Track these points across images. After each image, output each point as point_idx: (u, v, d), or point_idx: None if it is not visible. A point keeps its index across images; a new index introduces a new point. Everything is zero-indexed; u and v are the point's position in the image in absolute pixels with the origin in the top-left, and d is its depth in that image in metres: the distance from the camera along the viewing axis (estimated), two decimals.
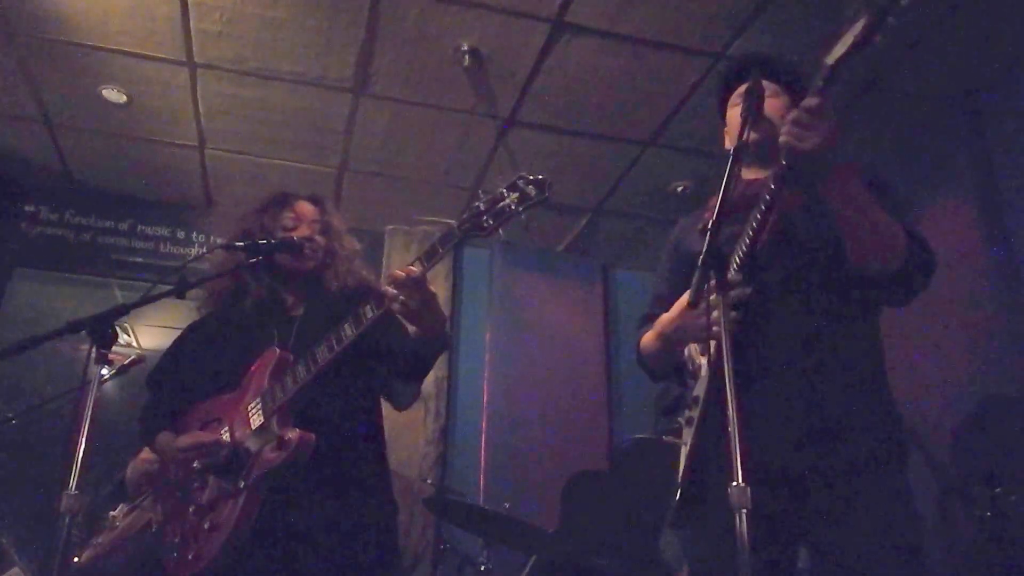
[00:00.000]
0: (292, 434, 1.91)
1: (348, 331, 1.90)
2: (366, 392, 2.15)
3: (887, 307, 1.79)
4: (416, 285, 1.83)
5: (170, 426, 2.14)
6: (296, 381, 1.94)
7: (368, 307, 1.88)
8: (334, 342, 1.91)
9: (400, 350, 2.05)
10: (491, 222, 1.76)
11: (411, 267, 1.84)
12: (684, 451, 1.70)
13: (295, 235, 2.20)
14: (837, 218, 1.62)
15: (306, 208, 2.28)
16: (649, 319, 1.99)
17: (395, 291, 1.83)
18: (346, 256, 2.27)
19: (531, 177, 1.76)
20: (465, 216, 1.80)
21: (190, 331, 2.32)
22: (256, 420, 1.97)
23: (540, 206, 1.76)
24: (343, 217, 2.38)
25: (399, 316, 1.89)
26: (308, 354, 1.95)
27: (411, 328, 1.95)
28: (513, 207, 1.75)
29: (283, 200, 2.28)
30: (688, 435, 1.70)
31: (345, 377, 2.05)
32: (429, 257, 1.86)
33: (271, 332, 2.15)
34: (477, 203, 1.79)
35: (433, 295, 1.90)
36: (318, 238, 2.24)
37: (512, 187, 1.76)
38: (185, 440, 2.04)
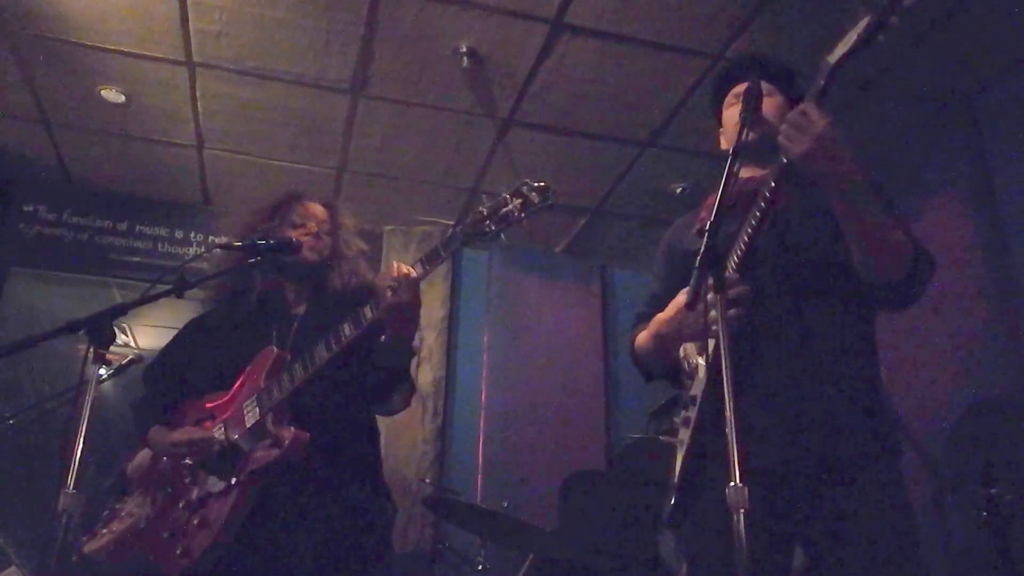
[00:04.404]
0: (287, 433, 1.92)
1: (347, 331, 1.91)
2: (360, 391, 2.16)
3: (886, 311, 1.79)
4: (413, 285, 1.86)
5: (164, 421, 2.14)
6: (293, 380, 1.95)
7: (368, 308, 1.90)
8: (332, 342, 1.92)
9: (375, 360, 2.06)
10: (493, 227, 1.80)
11: (412, 267, 1.87)
12: (680, 450, 1.71)
13: (303, 232, 2.21)
14: (844, 228, 1.62)
15: (316, 209, 2.30)
16: (643, 318, 1.99)
17: (391, 282, 1.85)
18: (352, 257, 2.28)
19: (534, 184, 1.78)
20: (468, 220, 1.83)
21: (190, 327, 2.33)
22: (251, 418, 1.97)
23: (543, 212, 1.79)
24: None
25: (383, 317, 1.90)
26: (306, 353, 1.96)
27: (385, 333, 1.96)
28: (516, 213, 1.78)
29: (295, 198, 2.31)
30: (684, 435, 1.71)
31: (340, 376, 2.06)
32: (431, 260, 1.89)
33: (270, 330, 2.16)
34: (480, 208, 1.82)
35: (419, 304, 1.93)
36: (324, 237, 2.25)
37: (516, 193, 1.79)
38: (178, 435, 2.05)
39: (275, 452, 1.91)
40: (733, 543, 1.25)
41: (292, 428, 1.93)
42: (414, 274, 1.87)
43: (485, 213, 1.81)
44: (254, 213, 2.29)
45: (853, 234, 1.61)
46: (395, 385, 2.12)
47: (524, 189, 1.78)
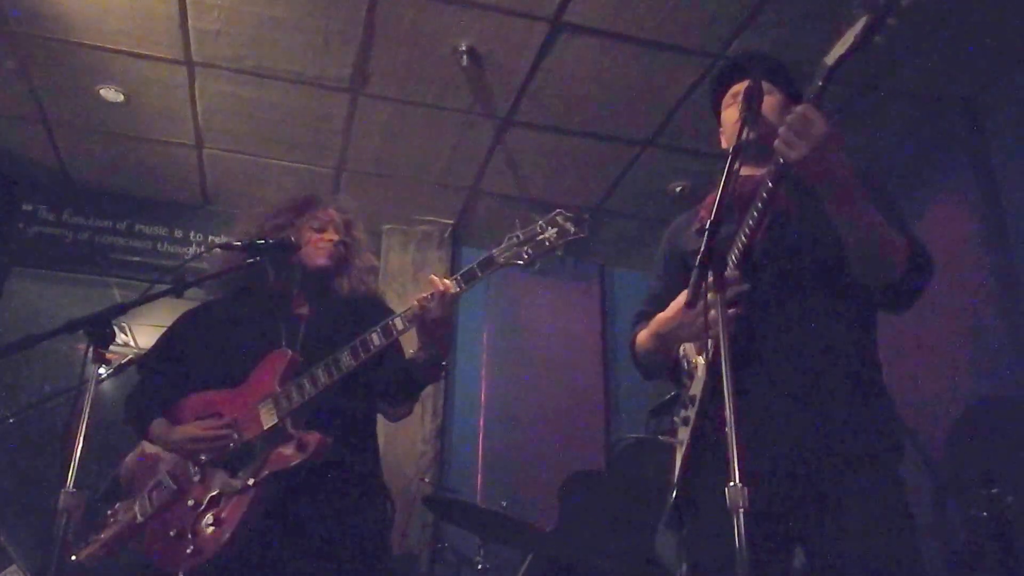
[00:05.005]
0: (312, 437, 1.93)
1: (376, 340, 1.94)
2: (365, 395, 2.16)
3: (885, 312, 1.79)
4: (449, 301, 1.90)
5: (164, 415, 2.12)
6: (316, 384, 1.96)
7: (399, 319, 1.94)
8: (360, 350, 1.94)
9: (394, 370, 2.09)
10: (530, 252, 1.85)
11: (448, 282, 1.91)
12: (679, 450, 1.71)
13: (323, 237, 2.24)
14: (840, 230, 1.62)
15: (336, 215, 2.32)
16: (644, 316, 1.99)
17: (427, 297, 1.89)
18: (362, 268, 2.31)
19: (569, 213, 1.85)
20: (504, 246, 1.88)
21: (189, 319, 2.32)
22: (268, 420, 1.97)
23: (580, 243, 1.84)
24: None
25: (412, 327, 1.94)
26: (329, 359, 1.97)
27: (415, 347, 2.00)
28: (551, 241, 1.84)
29: (317, 201, 2.33)
30: (684, 434, 1.70)
31: (347, 381, 2.06)
32: (467, 279, 1.93)
33: (278, 331, 2.15)
34: (516, 233, 1.88)
35: (452, 320, 1.99)
36: (339, 245, 2.28)
37: (551, 222, 1.86)
38: (191, 430, 2.03)
39: (301, 455, 1.91)
40: (733, 543, 1.24)
41: (317, 433, 1.93)
42: (452, 290, 1.90)
43: (522, 238, 1.85)
44: (276, 212, 2.31)
45: (848, 236, 1.61)
46: (416, 395, 2.15)
47: (559, 218, 1.85)
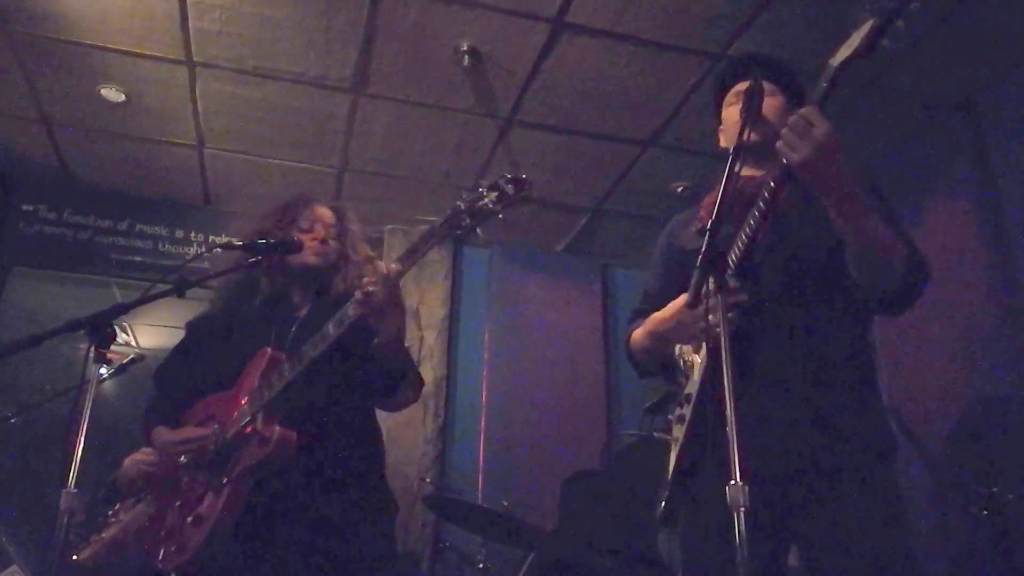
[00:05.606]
0: (272, 432, 1.93)
1: (331, 330, 1.92)
2: (361, 391, 2.16)
3: (879, 316, 1.79)
4: (388, 281, 1.87)
5: (169, 422, 2.16)
6: (282, 379, 1.96)
7: (349, 307, 1.91)
8: (318, 340, 1.93)
9: (372, 362, 2.07)
10: (468, 220, 1.81)
11: (391, 265, 1.89)
12: (674, 448, 1.71)
13: (310, 236, 2.22)
14: (840, 235, 1.62)
15: (324, 212, 2.30)
16: (640, 314, 2.00)
17: (370, 281, 1.87)
18: (358, 262, 2.28)
19: (510, 176, 1.79)
20: (445, 216, 1.85)
21: (198, 327, 2.34)
22: (243, 418, 2.00)
23: (519, 205, 1.80)
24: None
25: (365, 316, 1.91)
26: (296, 352, 1.97)
27: (376, 339, 1.97)
28: (491, 205, 1.79)
29: (303, 201, 2.31)
30: (678, 432, 1.71)
31: (339, 376, 2.07)
32: (408, 256, 1.91)
33: (270, 332, 2.16)
34: (458, 202, 1.84)
35: (398, 302, 1.95)
36: (331, 241, 2.26)
37: (492, 186, 1.81)
38: (176, 434, 2.09)
39: (261, 451, 1.92)
40: (728, 542, 1.24)
41: (277, 427, 1.94)
42: (391, 270, 1.88)
43: (462, 207, 1.82)
44: (263, 216, 2.30)
45: (848, 241, 1.62)
46: (396, 385, 2.12)
47: (501, 182, 1.79)
